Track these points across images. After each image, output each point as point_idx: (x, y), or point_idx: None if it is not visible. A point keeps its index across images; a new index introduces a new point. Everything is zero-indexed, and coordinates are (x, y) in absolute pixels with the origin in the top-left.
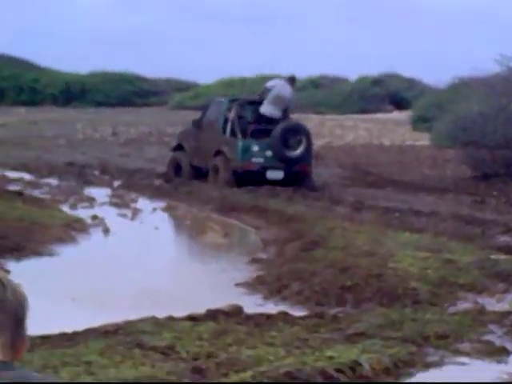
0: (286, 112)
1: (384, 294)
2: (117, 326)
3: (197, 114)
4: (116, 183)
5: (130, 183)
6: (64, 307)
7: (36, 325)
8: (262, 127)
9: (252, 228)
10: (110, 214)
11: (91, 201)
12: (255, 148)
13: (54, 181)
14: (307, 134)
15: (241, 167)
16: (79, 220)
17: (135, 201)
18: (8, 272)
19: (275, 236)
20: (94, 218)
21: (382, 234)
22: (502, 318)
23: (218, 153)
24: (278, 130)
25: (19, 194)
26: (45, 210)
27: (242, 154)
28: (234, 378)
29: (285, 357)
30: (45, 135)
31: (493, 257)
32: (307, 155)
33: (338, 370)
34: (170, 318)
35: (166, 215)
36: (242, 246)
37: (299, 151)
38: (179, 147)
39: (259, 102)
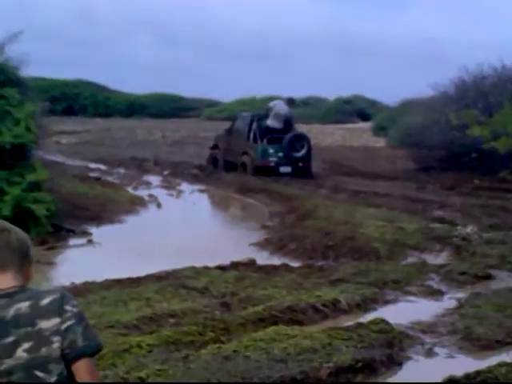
0: (290, 124)
1: (355, 251)
2: (167, 272)
3: (222, 124)
4: (165, 172)
5: (175, 172)
6: (131, 259)
7: (111, 271)
8: (275, 135)
9: (261, 204)
10: (161, 194)
11: (148, 184)
12: (271, 150)
13: (121, 170)
14: (308, 141)
15: (261, 164)
16: (140, 198)
17: (179, 184)
18: (90, 234)
19: (278, 210)
20: (150, 196)
21: (352, 209)
22: (438, 269)
23: (245, 153)
24: (287, 137)
25: (97, 179)
26: (116, 190)
27: (262, 155)
28: (251, 310)
29: (286, 295)
30: (115, 138)
31: (431, 225)
32: (308, 155)
33: (324, 305)
34: (205, 267)
35: (200, 195)
36: (254, 217)
37: (302, 153)
38: (215, 147)
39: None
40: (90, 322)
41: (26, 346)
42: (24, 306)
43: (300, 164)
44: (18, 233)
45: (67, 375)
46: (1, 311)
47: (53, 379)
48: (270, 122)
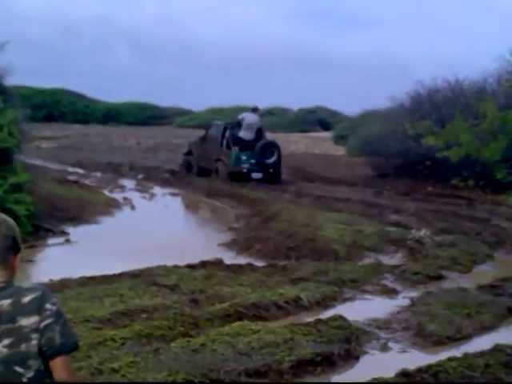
0: (261, 133)
1: (316, 252)
2: (140, 270)
3: (193, 131)
4: (139, 176)
5: (149, 176)
6: (106, 258)
7: (87, 269)
8: (247, 143)
9: (229, 207)
10: (135, 197)
11: (123, 187)
12: (243, 157)
13: (98, 174)
14: (278, 148)
15: (234, 170)
16: (115, 200)
17: (152, 188)
18: (68, 234)
19: (244, 212)
20: (125, 199)
21: (314, 213)
22: (393, 269)
23: (218, 159)
24: (259, 145)
25: (75, 182)
26: (92, 193)
27: (235, 161)
28: (218, 306)
29: (251, 293)
30: (92, 143)
31: (387, 229)
32: (278, 162)
33: (286, 302)
34: (176, 266)
35: (172, 198)
36: (222, 219)
37: (273, 159)
38: (189, 153)
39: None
40: (66, 316)
41: (6, 341)
42: (6, 303)
43: (271, 170)
44: (6, 223)
45: (44, 370)
46: None
47: (30, 374)
48: (243, 134)
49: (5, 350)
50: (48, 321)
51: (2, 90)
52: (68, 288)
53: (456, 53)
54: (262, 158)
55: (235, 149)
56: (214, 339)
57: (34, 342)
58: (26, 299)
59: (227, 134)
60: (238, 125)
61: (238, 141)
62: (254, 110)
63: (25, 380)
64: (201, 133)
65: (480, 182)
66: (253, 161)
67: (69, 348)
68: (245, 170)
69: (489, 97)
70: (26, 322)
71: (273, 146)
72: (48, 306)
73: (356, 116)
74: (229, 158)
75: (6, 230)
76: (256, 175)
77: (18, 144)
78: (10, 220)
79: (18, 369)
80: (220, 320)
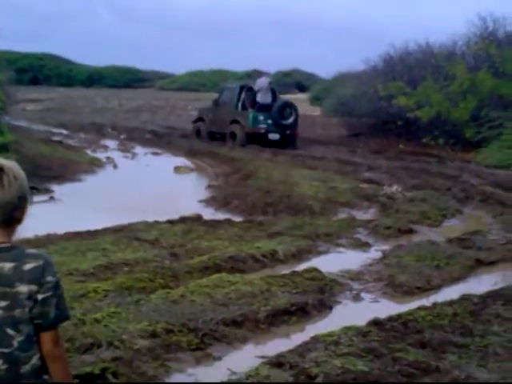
0: (275, 95)
1: (292, 208)
2: (122, 226)
3: (172, 94)
4: (121, 136)
5: (131, 137)
6: (89, 214)
7: (71, 225)
8: (263, 104)
9: (208, 166)
10: (117, 156)
11: (105, 147)
12: (261, 117)
13: (82, 134)
14: (295, 109)
15: (251, 131)
16: (98, 159)
17: (134, 148)
18: (52, 191)
19: (223, 171)
20: (108, 158)
21: (290, 170)
22: (366, 223)
23: (234, 122)
24: (276, 105)
25: (59, 142)
26: (76, 152)
27: (253, 121)
28: (197, 259)
29: (229, 246)
30: (76, 105)
31: (360, 185)
32: (295, 123)
33: (263, 255)
34: (156, 221)
35: (153, 157)
36: (201, 177)
37: (290, 120)
38: (199, 119)
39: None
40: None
41: (2, 303)
42: (7, 266)
43: (288, 132)
44: (14, 172)
45: (34, 335)
46: None
47: (21, 338)
48: (260, 97)
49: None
50: (46, 294)
51: None
52: (52, 243)
53: (428, 16)
54: (280, 119)
55: (252, 109)
56: (192, 291)
57: (27, 309)
58: (28, 266)
59: (243, 95)
60: (251, 89)
61: (255, 103)
62: (257, 72)
63: (14, 343)
64: (184, 96)
65: (450, 141)
66: (270, 121)
67: (61, 321)
68: (262, 131)
69: (459, 59)
70: (24, 289)
71: (290, 107)
72: (49, 278)
73: (331, 78)
74: (245, 119)
75: (17, 188)
76: (273, 136)
77: (3, 106)
78: (20, 173)
79: (10, 331)
80: (199, 272)
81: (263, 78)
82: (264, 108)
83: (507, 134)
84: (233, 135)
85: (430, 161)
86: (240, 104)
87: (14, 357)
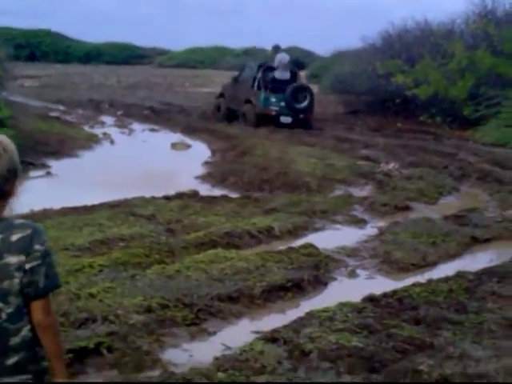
0: (295, 75)
1: (288, 185)
2: (119, 201)
3: (171, 70)
4: (119, 113)
5: (128, 113)
6: (86, 189)
7: (68, 200)
8: (279, 85)
9: (205, 142)
10: (114, 132)
11: (103, 124)
12: (273, 99)
13: (79, 110)
14: (311, 93)
15: (262, 112)
16: (95, 135)
17: (131, 124)
18: (49, 167)
19: (220, 147)
20: (105, 134)
21: (287, 147)
22: (362, 200)
23: (247, 101)
24: (290, 87)
25: (57, 118)
26: (74, 128)
27: (264, 102)
28: (193, 235)
29: (225, 222)
30: (74, 82)
31: (357, 162)
32: (310, 107)
33: (259, 231)
34: (153, 197)
35: (150, 133)
36: (198, 153)
37: (304, 104)
38: (221, 95)
39: (274, 68)
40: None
41: None
42: None
43: (301, 116)
44: (3, 145)
45: (23, 307)
46: None
47: (10, 310)
48: (278, 74)
49: None
50: (34, 263)
51: None
52: (49, 218)
53: None
54: (293, 102)
55: (267, 90)
56: (188, 266)
57: (17, 281)
58: (15, 237)
59: (259, 74)
60: (269, 68)
61: (270, 81)
62: (277, 48)
63: (3, 315)
64: (182, 72)
65: (448, 119)
66: (283, 104)
67: (51, 291)
68: (273, 113)
69: (457, 37)
70: (12, 260)
71: (305, 90)
72: (37, 246)
73: (329, 56)
74: (257, 99)
75: (7, 160)
76: (285, 119)
77: (1, 81)
78: (11, 146)
79: None
80: (195, 248)
81: (283, 53)
82: (279, 89)
83: (505, 112)
84: (244, 115)
85: (428, 138)
86: (256, 83)
87: (2, 329)
